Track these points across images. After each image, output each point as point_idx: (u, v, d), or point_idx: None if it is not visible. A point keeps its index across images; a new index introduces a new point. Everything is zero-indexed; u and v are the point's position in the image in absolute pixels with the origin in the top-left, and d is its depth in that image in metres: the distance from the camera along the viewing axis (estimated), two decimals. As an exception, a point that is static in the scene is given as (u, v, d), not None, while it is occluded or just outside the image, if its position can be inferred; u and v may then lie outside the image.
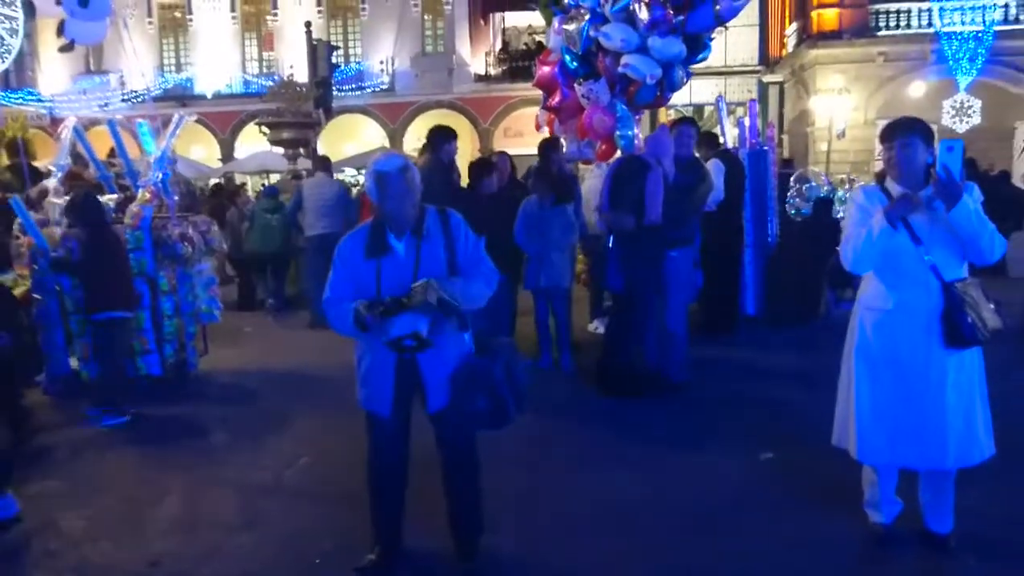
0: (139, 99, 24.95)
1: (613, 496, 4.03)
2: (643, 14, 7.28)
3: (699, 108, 24.35)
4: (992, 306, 3.16)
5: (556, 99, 8.60)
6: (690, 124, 6.11)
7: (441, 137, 6.12)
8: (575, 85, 8.08)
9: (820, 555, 3.37)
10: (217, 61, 26.37)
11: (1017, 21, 19.73)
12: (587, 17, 7.71)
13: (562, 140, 8.76)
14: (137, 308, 6.01)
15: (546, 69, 8.75)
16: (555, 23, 8.35)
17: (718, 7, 7.44)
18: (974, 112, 20.14)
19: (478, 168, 6.27)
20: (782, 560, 3.34)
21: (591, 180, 7.74)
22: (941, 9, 19.74)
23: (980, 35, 19.45)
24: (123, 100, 25.35)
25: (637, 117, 8.04)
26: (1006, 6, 19.66)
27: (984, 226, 3.06)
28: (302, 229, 9.15)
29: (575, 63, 8.00)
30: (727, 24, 8.09)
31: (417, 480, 3.37)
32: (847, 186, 10.31)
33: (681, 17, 7.46)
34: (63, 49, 11.25)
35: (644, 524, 3.70)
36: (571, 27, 7.85)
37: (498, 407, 3.02)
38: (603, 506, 3.91)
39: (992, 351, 3.26)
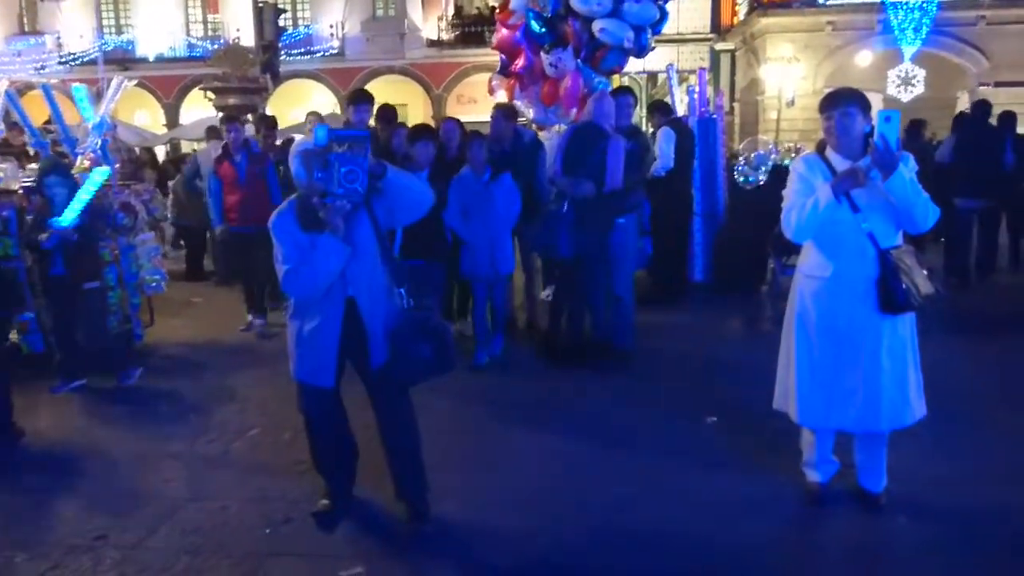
0: (77, 61, 24.01)
1: (560, 460, 4.10)
2: None
3: (652, 75, 24.35)
4: (925, 273, 3.27)
5: (520, 64, 8.35)
6: (629, 93, 6.14)
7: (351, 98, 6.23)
8: (542, 54, 7.89)
9: (761, 511, 3.49)
10: (160, 23, 25.44)
11: (961, -9, 20.08)
12: None
13: (522, 104, 8.56)
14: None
15: (506, 32, 8.49)
16: None
17: None
18: (918, 82, 20.51)
19: (412, 133, 5.71)
20: (725, 516, 3.46)
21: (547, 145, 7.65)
22: (887, -22, 19.99)
23: (924, 5, 19.76)
24: (60, 63, 24.36)
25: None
26: (950, -24, 19.97)
27: (918, 195, 3.15)
28: (201, 195, 9.06)
29: (543, 28, 7.82)
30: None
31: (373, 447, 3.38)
32: (794, 155, 10.46)
33: None
34: None
35: (590, 487, 3.78)
36: None
37: (442, 352, 3.16)
38: (550, 470, 3.98)
39: (924, 316, 3.37)
